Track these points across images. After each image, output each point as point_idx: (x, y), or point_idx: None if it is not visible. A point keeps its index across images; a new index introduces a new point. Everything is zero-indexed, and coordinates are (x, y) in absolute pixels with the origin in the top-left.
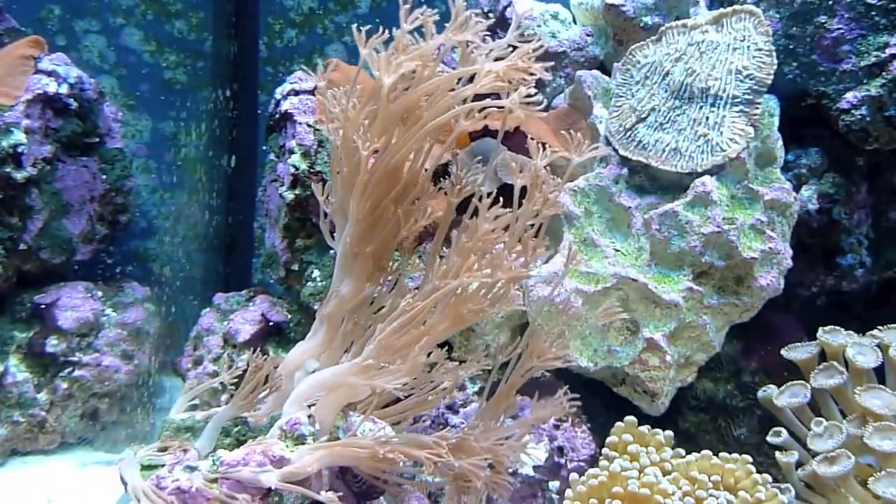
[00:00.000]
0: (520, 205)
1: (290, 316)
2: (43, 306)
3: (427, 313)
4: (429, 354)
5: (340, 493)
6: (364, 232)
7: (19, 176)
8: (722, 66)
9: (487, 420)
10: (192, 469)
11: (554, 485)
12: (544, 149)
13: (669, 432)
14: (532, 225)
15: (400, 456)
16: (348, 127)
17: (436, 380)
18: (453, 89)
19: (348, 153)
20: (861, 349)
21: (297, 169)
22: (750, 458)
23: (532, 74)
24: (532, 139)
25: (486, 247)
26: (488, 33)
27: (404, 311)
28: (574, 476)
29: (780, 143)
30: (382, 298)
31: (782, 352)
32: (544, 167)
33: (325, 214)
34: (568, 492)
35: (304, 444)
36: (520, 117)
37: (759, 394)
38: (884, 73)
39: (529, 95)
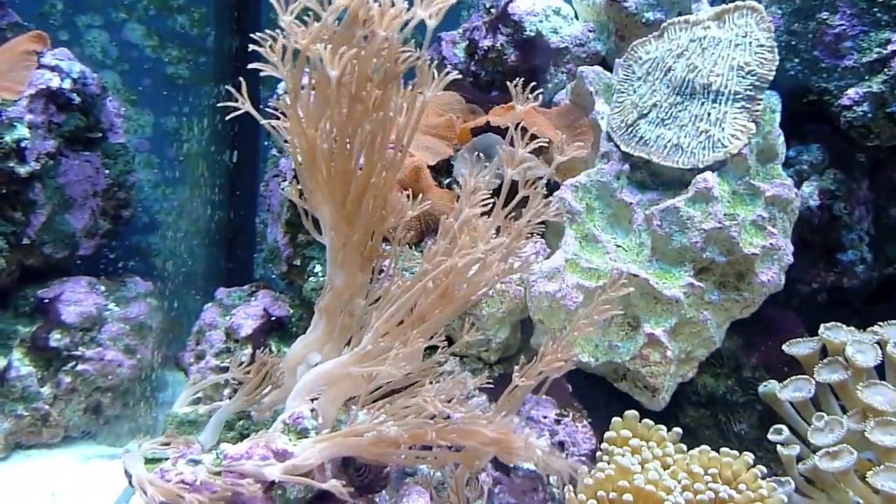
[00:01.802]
0: (511, 194)
1: (292, 311)
2: (46, 301)
3: (418, 295)
4: (432, 348)
5: (343, 484)
6: (344, 221)
7: (22, 171)
8: (724, 62)
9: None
10: (195, 462)
11: (555, 479)
12: (533, 138)
13: (678, 429)
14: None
15: (401, 434)
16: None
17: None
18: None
19: (304, 144)
20: (861, 347)
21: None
22: (750, 455)
23: None
24: (534, 135)
25: (472, 229)
26: None
27: (395, 296)
28: (584, 468)
29: (782, 139)
30: (378, 290)
31: (784, 347)
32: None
33: (306, 211)
34: (568, 487)
35: (307, 437)
36: (521, 114)
37: (761, 388)
38: (885, 70)
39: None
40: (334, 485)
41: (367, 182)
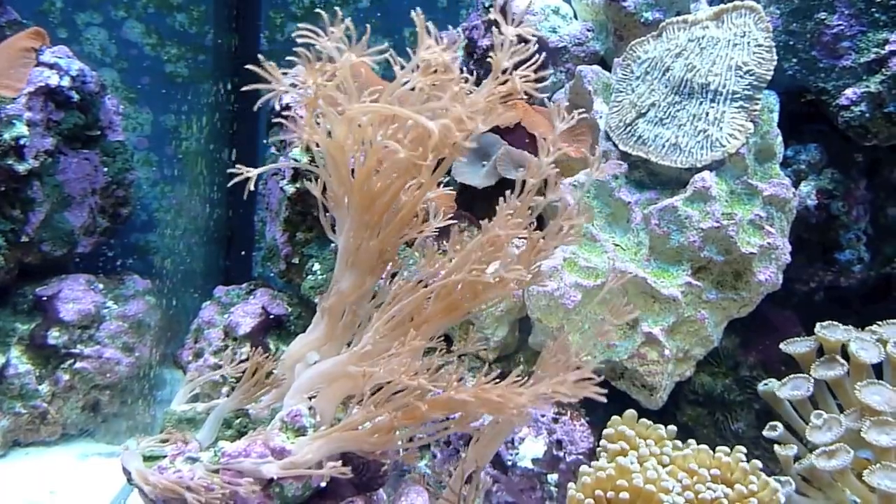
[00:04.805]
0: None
1: (290, 309)
2: (45, 298)
3: (422, 300)
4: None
5: (341, 484)
6: (366, 224)
7: (21, 168)
8: (722, 61)
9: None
10: (193, 460)
11: (553, 477)
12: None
13: (672, 427)
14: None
15: (397, 417)
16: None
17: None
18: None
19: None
20: (863, 344)
21: (297, 163)
22: (744, 449)
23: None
24: (533, 134)
25: (495, 247)
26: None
27: (398, 296)
28: (584, 468)
29: (780, 138)
30: (383, 292)
31: (781, 346)
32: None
33: (325, 209)
34: (571, 484)
35: (304, 435)
36: (520, 113)
37: (760, 387)
38: (883, 70)
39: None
40: (333, 466)
41: (396, 195)
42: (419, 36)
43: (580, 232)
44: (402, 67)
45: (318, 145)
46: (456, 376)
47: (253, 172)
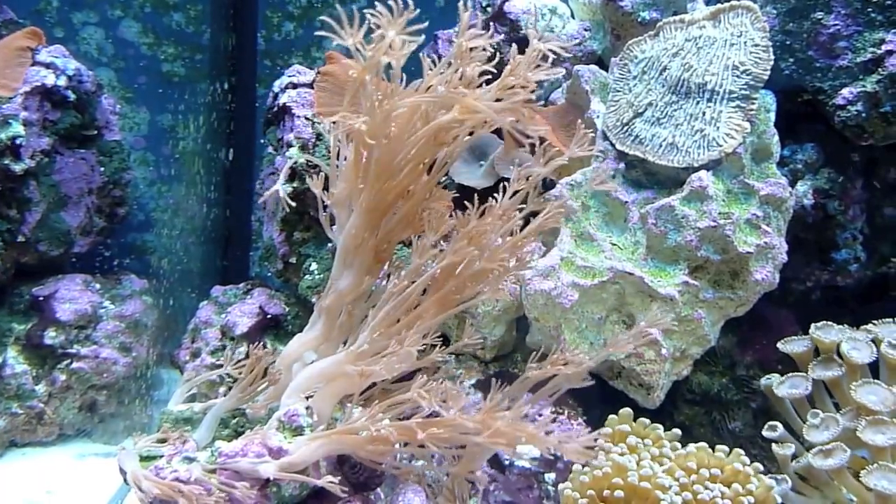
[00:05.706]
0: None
1: (287, 309)
2: (41, 298)
3: (415, 295)
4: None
5: (338, 481)
6: (369, 223)
7: (18, 168)
8: (719, 61)
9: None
10: (190, 460)
11: (550, 476)
12: (540, 144)
13: (677, 431)
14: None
15: (394, 434)
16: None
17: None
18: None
19: (360, 144)
20: (856, 344)
21: (295, 162)
22: (742, 452)
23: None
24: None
25: (480, 235)
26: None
27: (392, 294)
28: (577, 466)
29: (776, 138)
30: (380, 292)
31: (778, 345)
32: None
33: (325, 206)
34: (565, 483)
35: (302, 435)
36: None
37: (763, 381)
38: (880, 70)
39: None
40: (329, 481)
41: (401, 194)
42: (461, 22)
43: (558, 217)
44: (431, 69)
45: (349, 137)
46: (461, 403)
47: (278, 187)
